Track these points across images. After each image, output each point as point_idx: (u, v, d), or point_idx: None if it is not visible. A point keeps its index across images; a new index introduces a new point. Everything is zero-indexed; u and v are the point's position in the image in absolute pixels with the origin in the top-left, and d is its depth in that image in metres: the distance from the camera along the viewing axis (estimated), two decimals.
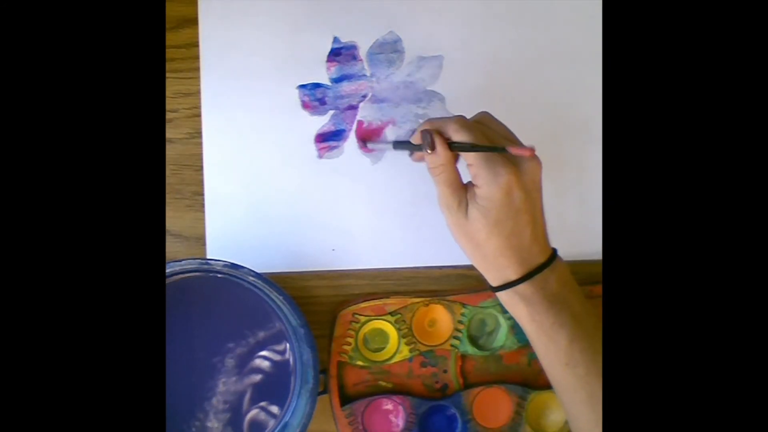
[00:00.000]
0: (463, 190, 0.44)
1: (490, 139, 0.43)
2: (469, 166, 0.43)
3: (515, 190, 0.42)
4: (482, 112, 0.45)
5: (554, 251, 0.44)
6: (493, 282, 0.44)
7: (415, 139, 0.45)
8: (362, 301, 0.52)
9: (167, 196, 0.53)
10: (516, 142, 0.44)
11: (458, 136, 0.42)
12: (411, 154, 0.47)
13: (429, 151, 0.43)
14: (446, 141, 0.43)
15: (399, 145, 0.49)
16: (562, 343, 0.42)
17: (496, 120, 0.45)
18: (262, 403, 0.50)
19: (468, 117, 0.45)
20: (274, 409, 0.50)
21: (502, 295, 0.44)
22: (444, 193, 0.44)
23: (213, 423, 0.49)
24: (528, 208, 0.42)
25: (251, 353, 0.50)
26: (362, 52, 0.53)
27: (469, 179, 0.43)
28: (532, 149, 0.41)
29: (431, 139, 0.43)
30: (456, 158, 0.44)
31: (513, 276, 0.43)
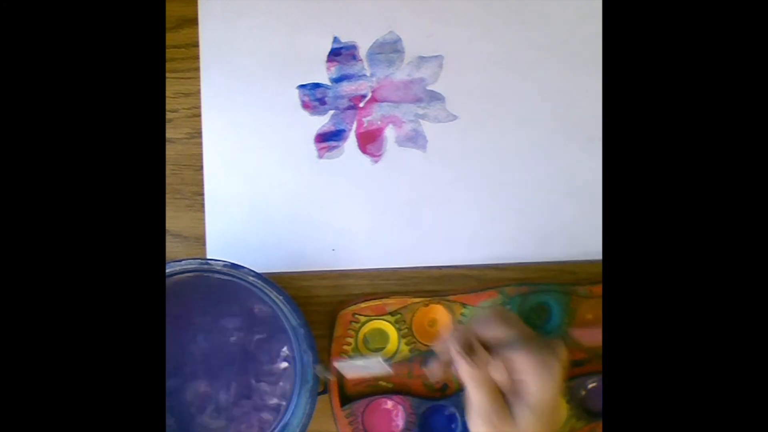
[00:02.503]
0: (502, 394, 0.40)
1: (529, 337, 0.40)
2: (519, 370, 0.40)
3: (562, 378, 0.40)
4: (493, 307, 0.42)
5: None
6: None
7: (445, 354, 0.41)
8: (362, 301, 0.52)
9: (167, 196, 0.53)
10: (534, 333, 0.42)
11: (497, 332, 0.40)
12: (425, 363, 0.43)
13: (473, 367, 0.39)
14: (483, 347, 0.40)
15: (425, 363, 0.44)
16: None
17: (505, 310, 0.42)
18: (262, 403, 0.50)
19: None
20: (274, 408, 0.50)
21: None
22: (483, 402, 0.40)
23: (213, 423, 0.49)
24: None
25: (251, 353, 0.50)
26: (362, 52, 0.53)
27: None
28: (598, 329, 0.38)
29: (470, 355, 0.40)
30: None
31: None
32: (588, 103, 0.54)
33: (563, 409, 0.40)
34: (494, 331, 0.40)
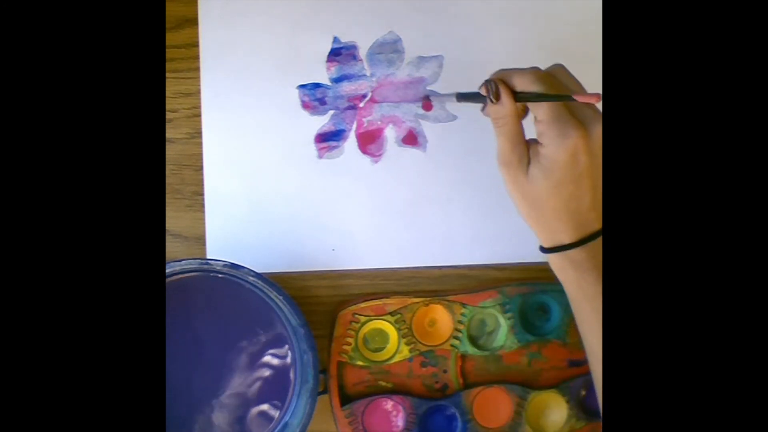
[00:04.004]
0: (525, 147, 0.42)
1: (560, 92, 0.41)
2: (536, 123, 0.41)
3: (581, 153, 0.40)
4: (557, 65, 0.44)
5: None
6: (545, 243, 0.43)
7: (482, 91, 0.43)
8: (362, 301, 0.52)
9: (167, 196, 0.53)
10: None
11: (526, 87, 0.41)
12: (483, 108, 0.44)
13: (493, 101, 0.42)
14: (512, 91, 0.41)
15: (463, 97, 0.47)
16: None
17: (569, 74, 0.43)
18: (262, 403, 0.50)
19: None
20: (274, 408, 0.50)
21: (551, 257, 0.43)
22: (504, 147, 0.42)
23: (213, 422, 0.49)
24: (591, 174, 0.41)
25: (251, 353, 0.50)
26: (362, 52, 0.53)
27: (533, 137, 0.42)
28: (598, 95, 0.38)
29: (496, 88, 0.42)
30: (523, 114, 0.43)
31: (566, 240, 0.42)
32: None
33: (586, 192, 0.41)
34: (529, 86, 0.41)
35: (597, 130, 0.40)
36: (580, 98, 0.39)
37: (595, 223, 0.42)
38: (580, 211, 0.42)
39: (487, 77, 0.43)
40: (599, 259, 0.42)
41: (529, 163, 0.42)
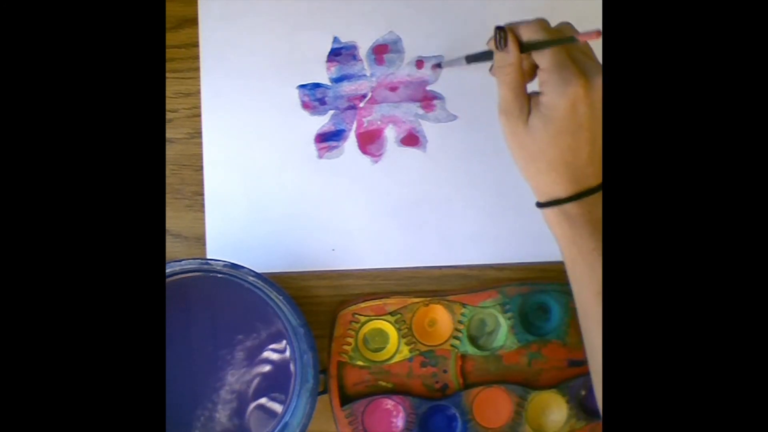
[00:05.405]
0: (526, 98, 0.42)
1: (566, 48, 0.41)
2: (539, 72, 0.42)
3: (581, 104, 0.40)
4: (564, 22, 0.44)
5: None
6: (540, 197, 0.43)
7: (490, 44, 0.43)
8: (362, 301, 0.52)
9: (167, 196, 0.53)
10: (591, 56, 0.43)
11: (532, 36, 0.42)
12: (491, 68, 0.44)
13: (500, 48, 0.42)
14: (518, 41, 0.42)
15: (473, 58, 0.47)
16: (599, 272, 0.41)
17: (576, 30, 0.43)
18: (262, 403, 0.50)
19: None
20: (274, 408, 0.50)
21: (547, 212, 0.43)
22: (506, 97, 0.42)
23: (214, 419, 0.49)
24: (590, 126, 0.41)
25: (251, 353, 0.50)
26: (362, 52, 0.53)
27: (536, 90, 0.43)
28: (598, 30, 0.39)
29: (505, 34, 0.42)
30: (529, 73, 0.43)
31: (562, 194, 0.42)
32: None
33: (585, 156, 0.42)
34: (535, 35, 0.42)
35: (598, 82, 0.41)
36: (581, 37, 0.40)
37: (592, 178, 0.42)
38: (576, 165, 0.42)
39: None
40: (594, 215, 0.42)
41: (529, 113, 0.42)
